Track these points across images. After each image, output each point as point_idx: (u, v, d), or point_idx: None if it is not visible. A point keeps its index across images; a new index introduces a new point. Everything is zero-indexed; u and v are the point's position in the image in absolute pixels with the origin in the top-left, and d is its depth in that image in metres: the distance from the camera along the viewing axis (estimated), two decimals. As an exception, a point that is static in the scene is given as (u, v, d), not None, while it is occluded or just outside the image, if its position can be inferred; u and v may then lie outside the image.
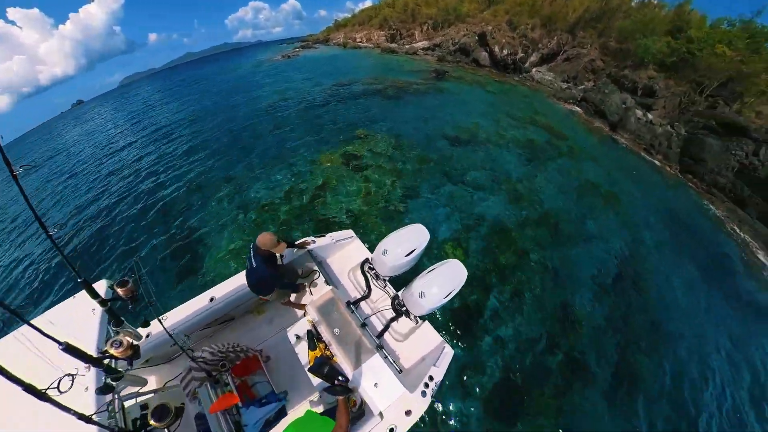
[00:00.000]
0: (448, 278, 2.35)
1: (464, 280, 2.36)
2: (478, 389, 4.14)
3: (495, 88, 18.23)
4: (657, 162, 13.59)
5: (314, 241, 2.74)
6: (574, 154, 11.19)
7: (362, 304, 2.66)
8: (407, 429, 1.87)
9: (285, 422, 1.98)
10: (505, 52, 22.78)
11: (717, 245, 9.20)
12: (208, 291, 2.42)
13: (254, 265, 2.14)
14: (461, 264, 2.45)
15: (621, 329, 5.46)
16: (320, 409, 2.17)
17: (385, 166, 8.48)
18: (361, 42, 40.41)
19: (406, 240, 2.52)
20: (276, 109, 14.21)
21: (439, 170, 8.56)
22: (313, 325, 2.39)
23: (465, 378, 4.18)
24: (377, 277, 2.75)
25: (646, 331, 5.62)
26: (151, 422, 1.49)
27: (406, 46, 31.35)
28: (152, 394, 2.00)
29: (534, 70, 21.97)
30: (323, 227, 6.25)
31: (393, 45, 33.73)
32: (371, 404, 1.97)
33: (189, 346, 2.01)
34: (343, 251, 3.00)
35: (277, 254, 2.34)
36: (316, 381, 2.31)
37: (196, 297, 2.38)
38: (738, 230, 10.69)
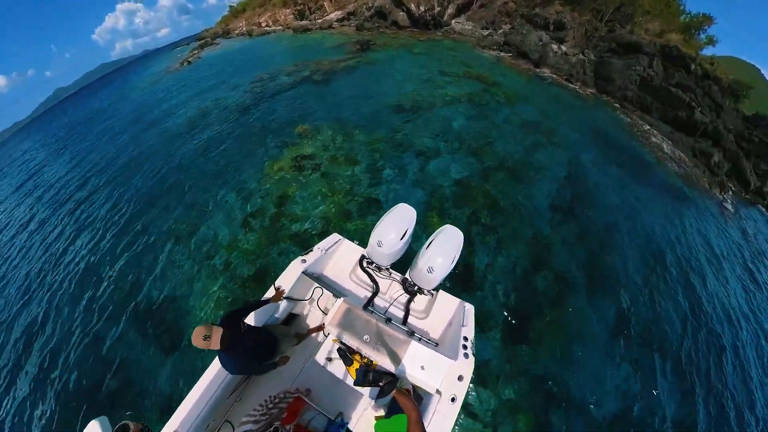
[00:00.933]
0: (448, 245, 2.42)
1: (462, 242, 2.47)
2: (491, 328, 4.74)
3: (421, 48, 18.04)
4: (578, 88, 15.11)
5: (305, 260, 2.55)
6: (510, 98, 11.84)
7: (376, 300, 2.64)
8: (465, 392, 1.98)
9: None
10: (421, 8, 22.42)
11: (634, 148, 11.46)
12: (212, 366, 2.03)
13: (222, 362, 1.81)
14: (455, 228, 2.54)
15: (584, 238, 6.63)
16: (382, 412, 2.15)
17: (339, 157, 8.04)
18: (267, 26, 36.36)
19: (395, 224, 2.50)
20: (197, 129, 12.01)
21: (393, 146, 8.43)
22: (340, 342, 2.30)
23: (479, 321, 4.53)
24: (379, 269, 2.74)
25: (603, 234, 6.95)
26: None
27: (319, 21, 29.06)
28: None
29: (453, 22, 22.15)
30: (304, 243, 5.78)
31: (304, 22, 30.95)
32: (426, 387, 2.02)
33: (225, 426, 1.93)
34: (336, 257, 2.86)
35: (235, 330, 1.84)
36: (366, 391, 2.29)
37: (204, 374, 2.02)
38: (647, 131, 13.13)
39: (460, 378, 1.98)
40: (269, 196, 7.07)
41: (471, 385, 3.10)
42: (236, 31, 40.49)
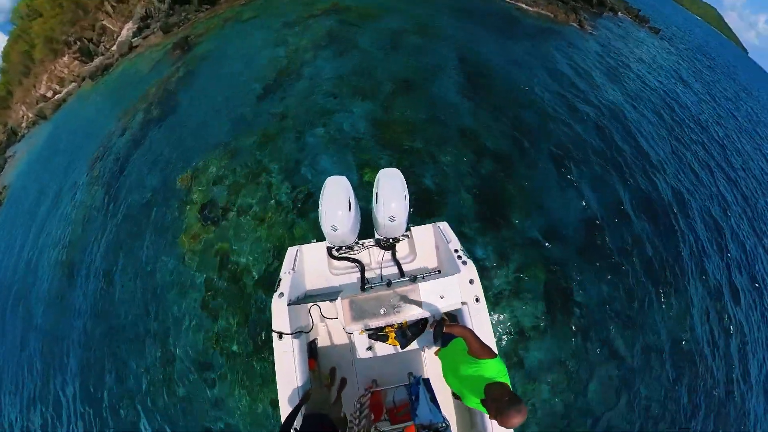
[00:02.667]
0: (393, 188, 2.44)
1: (403, 177, 2.50)
2: (473, 228, 5.36)
3: (250, 11, 15.54)
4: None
5: (282, 293, 2.39)
6: (365, 16, 11.19)
7: (367, 275, 2.71)
8: (481, 287, 2.31)
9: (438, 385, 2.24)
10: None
11: (500, 11, 12.82)
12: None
13: None
14: (389, 168, 2.56)
15: (500, 110, 7.25)
16: (438, 346, 2.39)
17: (241, 180, 6.96)
18: (56, 93, 27.98)
19: (334, 201, 2.41)
20: (64, 275, 8.98)
21: (285, 130, 7.56)
22: (367, 331, 2.43)
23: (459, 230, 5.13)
24: (351, 248, 2.78)
25: (511, 96, 7.69)
26: None
27: (114, 48, 22.91)
28: None
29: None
30: (272, 280, 5.11)
31: (97, 61, 24.02)
32: (453, 307, 2.31)
33: None
34: (307, 267, 2.78)
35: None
36: (414, 344, 2.47)
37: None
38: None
39: (471, 282, 2.28)
40: (206, 269, 6.02)
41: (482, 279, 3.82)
42: (23, 125, 30.41)
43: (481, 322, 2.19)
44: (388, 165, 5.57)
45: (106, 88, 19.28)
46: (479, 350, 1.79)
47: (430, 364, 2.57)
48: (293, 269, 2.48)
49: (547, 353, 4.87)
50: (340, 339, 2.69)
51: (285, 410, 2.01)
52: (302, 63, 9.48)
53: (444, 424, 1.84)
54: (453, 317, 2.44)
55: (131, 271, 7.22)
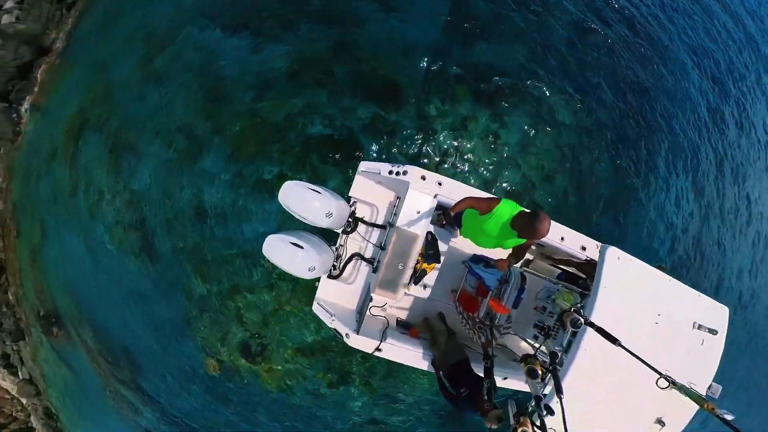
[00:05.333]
0: (299, 196, 2.62)
1: (293, 184, 2.64)
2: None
3: None
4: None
5: (347, 334, 2.72)
6: None
7: (367, 256, 3.02)
8: (436, 173, 2.70)
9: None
10: None
11: None
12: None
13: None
14: (286, 183, 2.66)
15: None
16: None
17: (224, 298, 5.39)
18: None
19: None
20: None
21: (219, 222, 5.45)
22: (410, 283, 2.74)
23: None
24: (339, 256, 3.03)
25: None
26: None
27: None
28: None
29: None
30: (325, 334, 5.04)
31: None
32: (432, 205, 2.68)
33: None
34: (336, 303, 3.11)
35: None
36: (445, 248, 2.95)
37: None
38: None
39: (423, 178, 2.62)
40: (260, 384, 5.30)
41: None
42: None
43: (456, 186, 2.65)
44: (278, 179, 4.89)
45: None
46: (486, 205, 2.16)
47: (465, 247, 3.05)
48: (332, 314, 2.79)
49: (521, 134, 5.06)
50: (407, 303, 3.16)
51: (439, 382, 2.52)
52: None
53: (505, 277, 2.57)
54: (442, 207, 2.73)
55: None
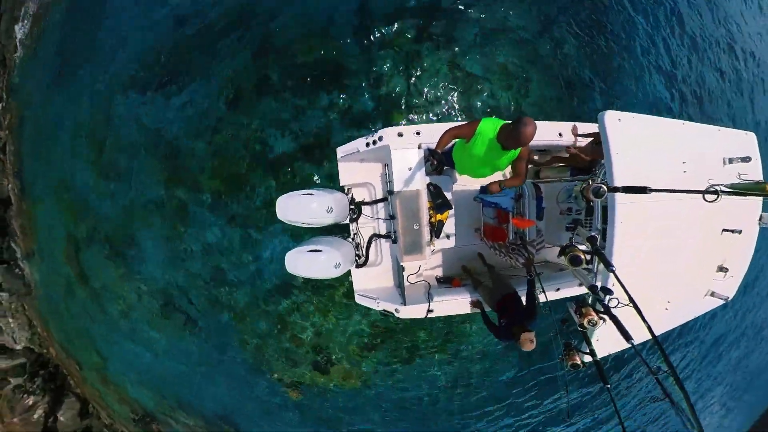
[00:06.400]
0: (294, 204, 2.62)
1: (287, 198, 2.63)
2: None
3: None
4: None
5: (397, 310, 2.83)
6: None
7: (383, 232, 3.12)
8: (400, 127, 2.71)
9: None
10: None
11: None
12: None
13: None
14: (276, 205, 2.67)
15: None
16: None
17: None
18: None
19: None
20: None
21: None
22: (430, 227, 2.76)
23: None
24: (357, 245, 3.02)
25: None
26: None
27: None
28: None
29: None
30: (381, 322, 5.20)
31: None
32: (416, 160, 2.67)
33: None
34: (375, 285, 3.22)
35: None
36: (450, 196, 2.94)
37: None
38: None
39: (400, 135, 2.63)
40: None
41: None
42: None
43: (435, 127, 2.62)
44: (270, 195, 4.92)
45: None
46: (468, 129, 2.14)
47: (469, 184, 3.12)
48: (376, 298, 2.90)
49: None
50: (438, 259, 3.30)
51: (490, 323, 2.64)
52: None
53: (519, 193, 2.77)
54: (431, 152, 2.70)
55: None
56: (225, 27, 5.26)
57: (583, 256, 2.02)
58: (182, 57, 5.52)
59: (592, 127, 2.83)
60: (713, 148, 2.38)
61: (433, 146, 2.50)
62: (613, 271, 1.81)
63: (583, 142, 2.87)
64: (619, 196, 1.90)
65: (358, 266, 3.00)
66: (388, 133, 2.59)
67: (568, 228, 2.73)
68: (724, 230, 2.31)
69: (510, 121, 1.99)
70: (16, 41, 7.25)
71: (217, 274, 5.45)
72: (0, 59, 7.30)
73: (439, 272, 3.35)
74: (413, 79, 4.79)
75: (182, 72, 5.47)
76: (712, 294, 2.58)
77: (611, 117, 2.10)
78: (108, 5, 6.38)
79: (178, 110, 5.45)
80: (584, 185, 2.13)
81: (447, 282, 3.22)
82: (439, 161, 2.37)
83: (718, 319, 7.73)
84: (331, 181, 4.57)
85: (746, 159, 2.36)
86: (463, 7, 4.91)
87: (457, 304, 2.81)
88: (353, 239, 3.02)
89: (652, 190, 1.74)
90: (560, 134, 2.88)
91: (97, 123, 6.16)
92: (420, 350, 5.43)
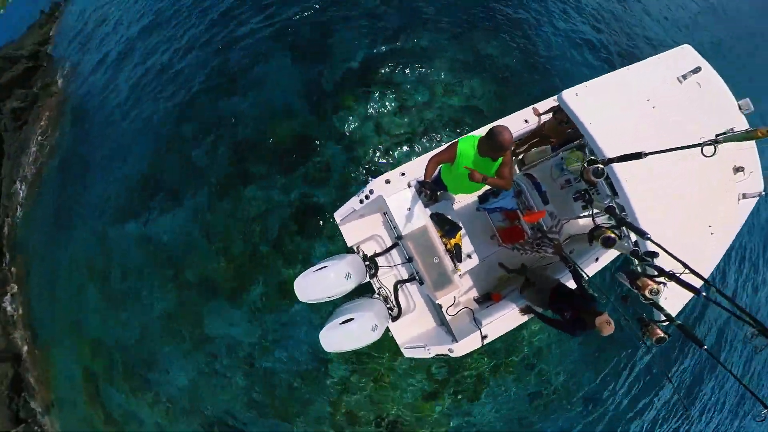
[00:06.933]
0: (312, 282, 2.60)
1: (299, 282, 2.61)
2: None
3: None
4: None
5: (451, 349, 2.67)
6: None
7: (409, 274, 3.06)
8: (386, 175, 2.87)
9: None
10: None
11: None
12: None
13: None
14: (295, 285, 2.63)
15: None
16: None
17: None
18: None
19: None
20: None
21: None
22: (449, 255, 2.74)
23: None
24: (385, 299, 2.95)
25: None
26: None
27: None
28: None
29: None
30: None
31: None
32: (406, 191, 2.72)
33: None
34: (415, 333, 3.10)
35: None
36: (453, 217, 3.00)
37: None
38: None
39: (387, 182, 2.81)
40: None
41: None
42: None
43: (417, 163, 2.77)
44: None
45: None
46: (448, 153, 2.24)
47: (466, 200, 3.24)
48: (424, 346, 2.80)
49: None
50: (469, 281, 3.25)
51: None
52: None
53: (517, 190, 2.74)
54: (421, 184, 2.77)
55: None
56: (197, 137, 5.73)
57: (613, 235, 2.00)
58: (165, 176, 5.92)
59: (549, 102, 3.05)
60: (664, 75, 2.52)
61: (421, 178, 2.58)
62: (650, 239, 1.79)
63: (546, 117, 3.05)
64: (617, 165, 1.96)
65: (393, 319, 2.89)
66: (377, 184, 2.67)
67: (576, 198, 2.75)
68: (716, 137, 2.34)
69: (484, 134, 2.05)
70: (17, 203, 8.05)
71: (250, 371, 5.14)
72: (3, 218, 8.00)
73: (474, 293, 3.26)
74: (374, 125, 5.19)
75: (168, 189, 5.81)
76: (744, 196, 2.59)
77: (569, 95, 2.25)
78: (91, 157, 7.09)
79: (170, 224, 5.64)
80: (583, 167, 2.15)
81: (487, 299, 3.11)
82: (431, 190, 2.42)
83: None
84: (333, 244, 4.63)
85: (696, 70, 2.49)
86: (393, 56, 5.60)
87: (508, 318, 2.69)
88: (379, 294, 2.94)
89: (647, 154, 1.78)
90: (526, 120, 3.05)
91: (97, 257, 6.38)
92: (484, 376, 5.01)
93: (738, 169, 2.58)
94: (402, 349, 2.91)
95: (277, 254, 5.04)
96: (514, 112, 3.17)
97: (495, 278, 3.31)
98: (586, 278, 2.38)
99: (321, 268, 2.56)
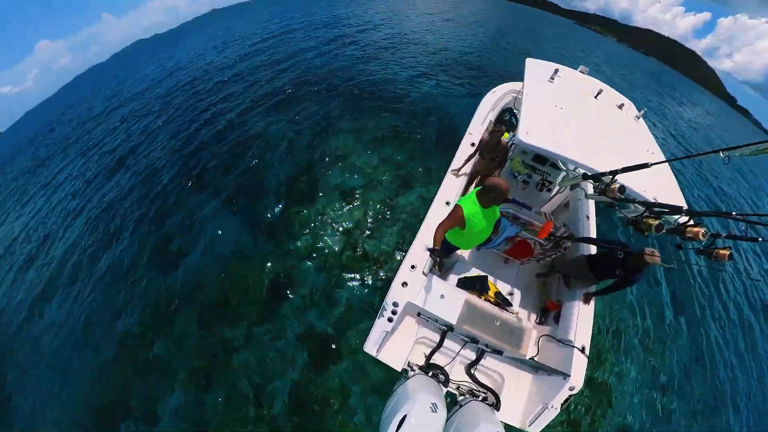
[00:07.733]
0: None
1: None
2: None
3: None
4: None
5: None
6: None
7: (449, 355, 2.81)
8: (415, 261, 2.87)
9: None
10: None
11: None
12: None
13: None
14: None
15: None
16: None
17: None
18: None
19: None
20: None
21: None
22: (498, 307, 2.78)
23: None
24: (447, 381, 2.56)
25: None
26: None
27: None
28: None
29: None
30: None
31: None
32: (421, 270, 2.78)
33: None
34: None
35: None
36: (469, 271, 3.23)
37: None
38: None
39: (404, 284, 2.68)
40: None
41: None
42: None
43: (418, 245, 2.79)
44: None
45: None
46: (455, 219, 2.27)
47: (463, 251, 3.38)
48: (546, 404, 2.46)
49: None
50: (525, 311, 3.18)
51: None
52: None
53: (513, 216, 3.02)
54: (431, 251, 2.66)
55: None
56: (169, 318, 4.78)
57: (658, 222, 1.97)
58: (125, 394, 4.33)
59: (462, 156, 3.46)
60: (543, 85, 3.37)
61: (428, 252, 2.56)
62: (681, 210, 1.98)
63: (468, 169, 3.40)
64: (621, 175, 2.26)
65: (497, 408, 2.46)
66: (397, 294, 2.47)
67: (540, 189, 3.51)
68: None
69: (478, 190, 2.28)
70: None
71: None
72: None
73: (534, 317, 3.13)
74: (330, 228, 5.40)
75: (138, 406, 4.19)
76: (637, 118, 3.43)
77: (525, 136, 2.56)
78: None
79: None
80: (607, 189, 2.28)
81: (547, 314, 3.04)
82: (440, 257, 2.36)
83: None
84: (385, 379, 3.79)
85: (556, 70, 3.61)
86: (316, 162, 6.41)
87: (583, 316, 2.59)
88: (459, 390, 2.51)
89: (652, 164, 2.06)
90: (472, 144, 3.48)
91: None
92: (607, 384, 4.48)
93: (620, 106, 3.41)
94: (528, 430, 2.43)
95: (296, 408, 3.83)
96: (433, 157, 3.71)
97: (534, 290, 3.33)
98: (596, 238, 2.73)
99: (397, 423, 2.01)
